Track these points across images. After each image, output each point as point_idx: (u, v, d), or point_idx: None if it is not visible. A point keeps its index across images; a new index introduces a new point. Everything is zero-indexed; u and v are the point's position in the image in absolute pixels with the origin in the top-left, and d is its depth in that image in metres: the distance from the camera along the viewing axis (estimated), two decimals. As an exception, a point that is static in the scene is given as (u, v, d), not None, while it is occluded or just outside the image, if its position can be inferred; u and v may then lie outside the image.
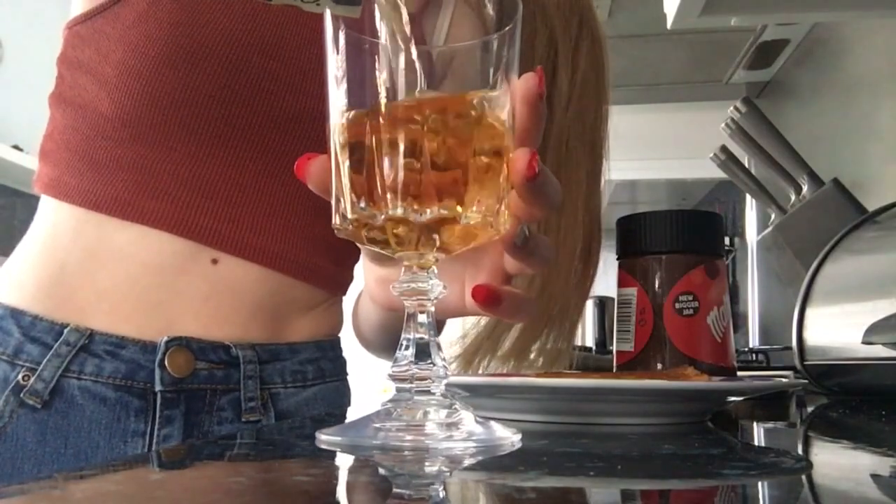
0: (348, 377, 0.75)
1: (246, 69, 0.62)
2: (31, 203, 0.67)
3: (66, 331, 0.59)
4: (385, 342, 0.73)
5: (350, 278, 0.73)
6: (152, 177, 0.61)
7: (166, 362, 0.59)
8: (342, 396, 0.72)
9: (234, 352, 0.62)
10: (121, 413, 0.59)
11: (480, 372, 0.70)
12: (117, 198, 0.61)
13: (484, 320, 0.66)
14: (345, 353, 0.77)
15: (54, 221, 0.63)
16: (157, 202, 0.61)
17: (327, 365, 0.70)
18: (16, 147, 2.76)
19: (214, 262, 0.62)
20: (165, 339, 0.60)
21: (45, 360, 0.58)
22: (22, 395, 0.58)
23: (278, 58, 0.63)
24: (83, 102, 0.62)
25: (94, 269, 0.61)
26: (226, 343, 0.62)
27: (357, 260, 0.72)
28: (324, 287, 0.69)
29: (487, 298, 0.42)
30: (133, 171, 0.61)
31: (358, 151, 0.36)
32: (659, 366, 0.59)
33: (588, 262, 0.70)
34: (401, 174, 0.35)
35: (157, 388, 0.59)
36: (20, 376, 0.58)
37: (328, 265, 0.69)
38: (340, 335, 0.76)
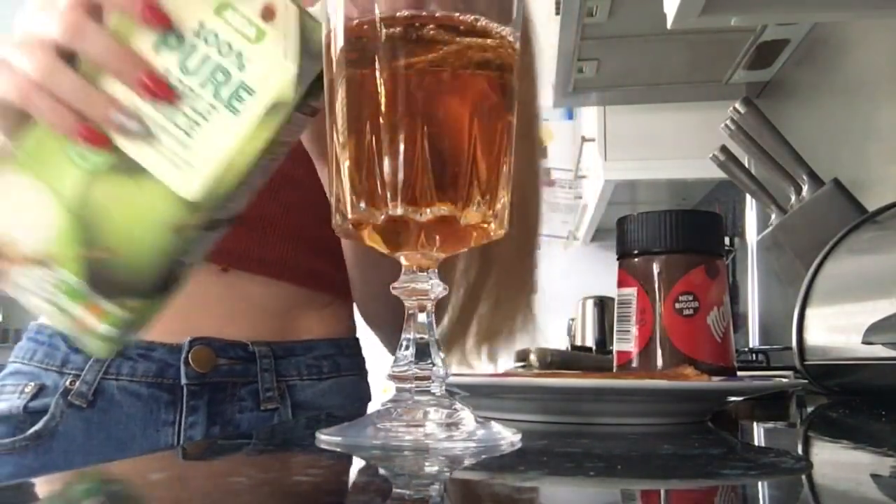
0: (368, 374, 0.78)
1: None
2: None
3: None
4: (371, 287, 0.72)
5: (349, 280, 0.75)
6: None
7: (190, 359, 0.66)
8: (359, 390, 0.76)
9: (250, 348, 0.69)
10: (153, 406, 0.66)
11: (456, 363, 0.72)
12: None
13: (453, 312, 0.70)
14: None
15: None
16: None
17: (343, 361, 0.75)
18: (16, 147, 2.75)
19: (224, 269, 0.68)
20: (189, 339, 0.67)
21: (87, 366, 0.66)
22: (69, 397, 0.66)
23: None
24: None
25: None
26: (243, 341, 0.68)
27: None
28: (328, 291, 0.73)
29: None
30: None
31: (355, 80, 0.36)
32: (659, 366, 0.59)
33: (526, 233, 0.75)
34: (401, 173, 0.35)
35: (183, 381, 0.66)
36: (67, 382, 0.66)
37: (331, 270, 0.72)
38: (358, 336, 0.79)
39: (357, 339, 0.78)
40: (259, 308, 0.69)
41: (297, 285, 0.70)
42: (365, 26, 0.36)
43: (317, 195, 0.63)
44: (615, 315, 0.63)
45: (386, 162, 0.35)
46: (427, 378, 0.36)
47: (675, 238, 0.60)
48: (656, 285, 0.60)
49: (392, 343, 0.75)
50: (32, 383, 0.67)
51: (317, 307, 0.73)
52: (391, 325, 0.74)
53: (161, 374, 0.67)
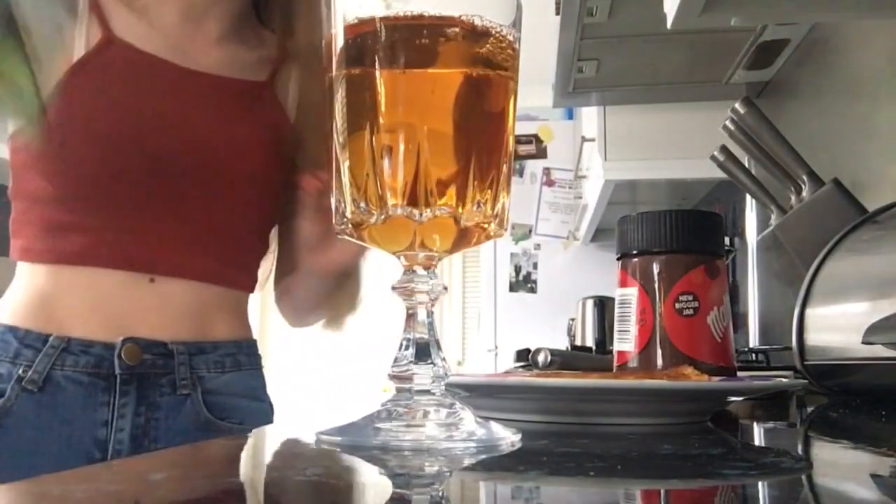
0: (263, 368, 0.98)
1: (149, 144, 0.83)
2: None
3: (51, 338, 0.82)
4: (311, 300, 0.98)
5: (256, 277, 0.96)
6: (96, 231, 0.83)
7: (122, 355, 0.83)
8: (256, 381, 0.96)
9: (170, 346, 0.86)
10: (92, 391, 0.82)
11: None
12: (73, 251, 0.84)
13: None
14: (336, 353, 1.02)
15: (31, 273, 0.85)
16: (102, 249, 0.83)
17: (242, 358, 0.93)
18: (16, 147, 2.75)
19: (151, 280, 0.85)
20: (121, 339, 0.83)
21: (38, 359, 0.82)
22: (23, 383, 0.81)
23: (173, 130, 0.85)
24: (35, 190, 0.85)
25: (67, 297, 0.84)
26: (164, 340, 0.85)
27: (258, 262, 0.96)
28: (238, 287, 0.92)
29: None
30: (81, 231, 0.83)
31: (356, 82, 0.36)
32: (659, 366, 0.59)
33: None
34: (401, 173, 0.35)
35: (117, 371, 0.83)
36: (20, 370, 0.81)
37: (237, 272, 0.92)
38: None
39: (255, 341, 0.97)
40: (179, 311, 0.87)
41: (212, 283, 0.89)
42: (365, 26, 0.36)
43: (230, 216, 0.89)
44: (615, 315, 0.63)
45: (386, 162, 0.35)
46: (427, 378, 0.36)
47: (675, 238, 0.60)
48: (656, 285, 0.60)
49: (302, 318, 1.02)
50: None
51: (227, 306, 0.91)
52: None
53: (98, 365, 0.83)
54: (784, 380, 0.61)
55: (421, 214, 0.35)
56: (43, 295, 0.84)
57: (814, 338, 0.70)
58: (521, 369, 1.56)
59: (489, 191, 0.36)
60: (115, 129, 0.83)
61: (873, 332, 0.57)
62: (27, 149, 0.85)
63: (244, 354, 0.94)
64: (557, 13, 1.39)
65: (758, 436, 0.48)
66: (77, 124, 0.83)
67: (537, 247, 3.81)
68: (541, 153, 3.85)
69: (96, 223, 0.84)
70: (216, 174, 0.87)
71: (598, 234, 3.11)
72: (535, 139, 3.85)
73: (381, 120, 0.35)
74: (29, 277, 0.86)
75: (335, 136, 0.37)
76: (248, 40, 0.94)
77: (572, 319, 2.70)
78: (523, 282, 3.81)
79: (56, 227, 0.84)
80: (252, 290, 0.96)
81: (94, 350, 0.83)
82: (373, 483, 0.29)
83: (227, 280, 0.90)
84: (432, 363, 0.36)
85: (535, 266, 3.81)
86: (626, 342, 0.61)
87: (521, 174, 3.81)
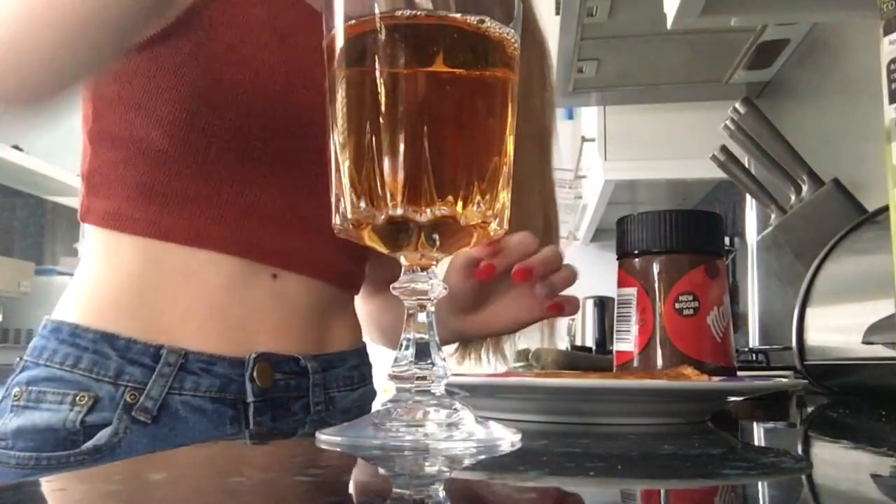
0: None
1: (294, 104, 0.67)
2: (30, 203, 0.71)
3: (163, 352, 0.64)
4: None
5: (364, 276, 0.81)
6: (214, 207, 0.66)
7: (255, 375, 0.66)
8: (374, 394, 0.81)
9: (302, 363, 0.70)
10: (217, 422, 0.66)
11: (468, 360, 0.84)
12: (183, 227, 0.66)
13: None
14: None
15: (118, 251, 0.67)
16: (221, 229, 0.66)
17: (365, 369, 0.79)
18: (16, 147, 2.75)
19: (274, 276, 0.69)
20: (253, 355, 0.67)
21: (152, 381, 0.64)
22: (133, 412, 0.63)
23: (320, 91, 0.69)
24: (135, 139, 0.66)
25: (172, 293, 0.66)
26: (296, 356, 0.70)
27: (367, 259, 0.80)
28: (352, 289, 0.78)
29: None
30: (196, 203, 0.66)
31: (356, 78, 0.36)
32: (659, 366, 0.59)
33: (549, 235, 0.83)
34: (401, 173, 0.35)
35: (250, 399, 0.66)
36: (126, 396, 0.64)
37: (355, 269, 0.77)
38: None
39: (365, 344, 0.82)
40: (303, 314, 0.71)
41: (333, 285, 0.73)
42: (365, 26, 0.36)
43: None
44: (615, 315, 0.63)
45: (386, 162, 0.35)
46: (427, 378, 0.36)
47: (675, 238, 0.60)
48: (656, 285, 0.60)
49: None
50: (85, 394, 0.63)
51: (343, 309, 0.76)
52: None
53: (224, 388, 0.66)
54: (784, 380, 0.61)
55: (421, 214, 0.35)
56: (139, 289, 0.66)
57: (814, 338, 0.70)
58: (521, 369, 1.56)
59: (489, 190, 0.36)
60: (263, 87, 0.65)
61: (873, 332, 0.57)
62: (141, 81, 0.65)
63: (365, 364, 0.79)
64: (557, 13, 1.39)
65: (758, 436, 0.48)
66: (215, 72, 0.64)
67: (537, 247, 3.81)
68: (541, 153, 3.85)
69: (216, 196, 0.66)
70: None
71: (598, 234, 3.11)
72: (535, 139, 3.85)
73: (381, 120, 0.35)
74: (114, 262, 0.67)
75: (335, 136, 0.37)
76: None
77: (572, 319, 2.70)
78: (523, 282, 3.80)
79: (164, 194, 0.66)
80: (359, 290, 0.81)
81: (218, 368, 0.66)
82: (373, 483, 0.29)
83: (348, 281, 0.76)
84: (432, 363, 0.36)
85: (535, 266, 3.80)
86: (626, 342, 0.61)
87: (521, 174, 3.80)
